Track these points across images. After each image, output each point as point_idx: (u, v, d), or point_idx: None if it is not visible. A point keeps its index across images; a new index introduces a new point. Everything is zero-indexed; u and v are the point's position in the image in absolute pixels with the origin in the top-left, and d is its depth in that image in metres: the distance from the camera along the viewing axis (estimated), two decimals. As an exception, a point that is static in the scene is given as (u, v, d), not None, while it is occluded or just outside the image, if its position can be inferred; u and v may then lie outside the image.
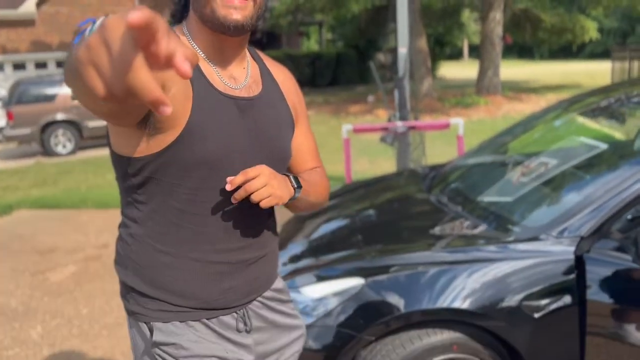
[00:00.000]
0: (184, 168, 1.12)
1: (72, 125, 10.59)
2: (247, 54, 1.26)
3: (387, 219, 2.65)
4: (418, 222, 2.48)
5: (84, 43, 0.64)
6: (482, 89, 14.96)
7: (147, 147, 1.11)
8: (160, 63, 0.59)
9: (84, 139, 10.92)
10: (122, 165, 1.16)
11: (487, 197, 2.50)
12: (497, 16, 14.42)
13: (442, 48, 27.27)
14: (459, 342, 1.90)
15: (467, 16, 22.26)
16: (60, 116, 10.38)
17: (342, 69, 21.88)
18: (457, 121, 5.10)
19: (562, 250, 1.89)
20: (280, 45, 23.82)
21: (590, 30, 17.00)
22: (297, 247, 2.54)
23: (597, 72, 23.04)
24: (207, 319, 1.21)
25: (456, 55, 43.72)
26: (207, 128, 1.11)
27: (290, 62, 20.36)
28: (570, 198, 2.17)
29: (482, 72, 15.20)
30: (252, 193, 1.11)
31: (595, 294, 1.85)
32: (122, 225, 1.26)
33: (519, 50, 42.51)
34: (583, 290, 1.86)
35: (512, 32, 18.09)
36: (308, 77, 20.59)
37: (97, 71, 0.62)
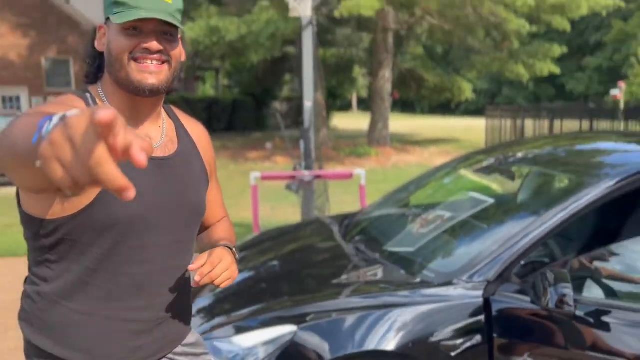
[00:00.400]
0: (99, 229, 1.12)
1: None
2: (163, 112, 1.29)
3: (305, 266, 2.76)
4: (336, 269, 2.61)
5: (46, 139, 0.66)
6: (373, 140, 15.87)
7: (61, 209, 1.10)
8: (118, 154, 0.64)
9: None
10: (34, 225, 1.14)
11: (400, 245, 2.71)
12: (387, 74, 15.56)
13: (335, 100, 28.63)
14: (386, 384, 2.03)
15: (358, 71, 23.67)
16: None
17: (239, 115, 22.07)
18: (360, 172, 5.41)
19: (472, 294, 2.11)
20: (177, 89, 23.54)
21: (466, 90, 18.91)
22: (209, 300, 2.55)
23: (472, 128, 25.42)
24: None
25: (346, 107, 46.01)
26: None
27: (187, 105, 20.17)
28: (475, 247, 2.42)
29: (373, 125, 16.17)
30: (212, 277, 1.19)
31: (501, 333, 2.08)
32: (29, 282, 1.22)
33: (402, 104, 45.78)
34: (490, 329, 2.09)
35: (399, 88, 19.54)
36: (204, 121, 20.16)
37: (62, 165, 0.65)
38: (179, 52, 1.18)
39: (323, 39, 17.14)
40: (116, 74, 1.15)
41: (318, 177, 5.52)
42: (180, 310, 1.30)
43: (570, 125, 12.51)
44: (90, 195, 1.10)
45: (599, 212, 3.01)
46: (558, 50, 16.14)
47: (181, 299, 1.29)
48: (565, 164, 2.93)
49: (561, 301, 1.88)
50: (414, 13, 14.37)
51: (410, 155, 15.09)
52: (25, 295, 1.22)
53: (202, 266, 1.18)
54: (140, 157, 0.64)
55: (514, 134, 14.65)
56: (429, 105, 47.26)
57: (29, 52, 16.69)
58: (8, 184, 10.91)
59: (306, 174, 5.48)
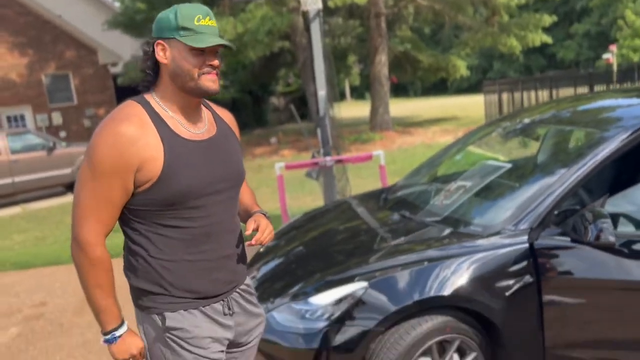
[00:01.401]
0: (169, 199, 1.51)
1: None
2: (201, 104, 1.66)
3: (360, 234, 3.02)
4: (390, 233, 2.87)
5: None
6: (376, 125, 16.10)
7: (134, 197, 1.52)
8: None
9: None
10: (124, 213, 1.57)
11: (441, 208, 2.98)
12: (383, 59, 15.77)
13: (331, 90, 28.75)
14: (451, 325, 2.30)
15: (351, 59, 23.85)
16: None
17: (239, 113, 22.20)
18: (379, 153, 5.67)
19: (519, 240, 2.38)
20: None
21: (461, 68, 19.11)
22: (278, 272, 2.85)
23: (468, 105, 25.63)
24: (202, 307, 1.61)
25: (340, 96, 46.11)
26: (178, 170, 1.50)
27: (186, 109, 20.35)
28: (513, 201, 2.68)
29: (374, 110, 16.38)
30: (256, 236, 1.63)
31: (546, 271, 2.36)
32: (127, 244, 1.61)
33: (395, 89, 45.91)
34: (537, 269, 2.36)
35: (395, 72, 19.74)
36: (206, 123, 20.63)
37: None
38: (220, 65, 1.58)
39: (315, 30, 17.32)
40: (184, 83, 1.52)
41: (340, 161, 5.77)
42: (238, 249, 1.70)
43: (569, 92, 12.73)
44: (151, 182, 1.48)
45: (615, 161, 3.27)
46: (548, 19, 16.35)
47: (237, 240, 1.69)
48: (578, 122, 3.19)
49: (600, 234, 2.15)
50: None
51: (414, 136, 15.34)
52: (128, 252, 1.61)
53: (254, 230, 1.64)
54: None
55: (512, 107, 14.89)
56: (421, 87, 47.56)
57: (29, 70, 16.87)
58: (37, 198, 11.16)
59: (328, 159, 5.73)
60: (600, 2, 34.73)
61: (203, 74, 1.50)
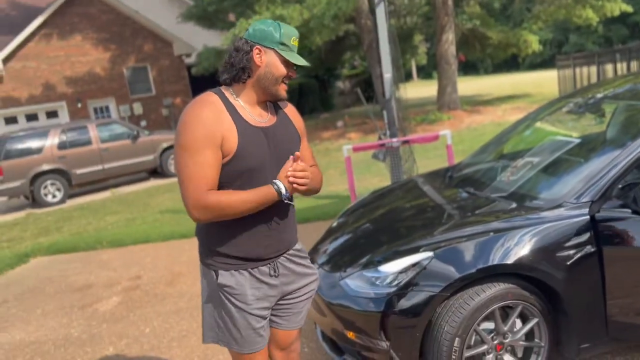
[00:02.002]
0: (239, 172, 1.86)
1: (61, 174, 10.80)
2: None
3: (427, 210, 3.21)
4: (456, 209, 3.05)
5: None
6: (443, 105, 15.92)
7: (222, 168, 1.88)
8: None
9: (72, 187, 11.13)
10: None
11: (506, 184, 3.10)
12: (450, 37, 15.51)
13: (397, 71, 28.51)
14: (513, 292, 2.46)
15: (417, 39, 23.53)
16: (47, 166, 10.59)
17: (306, 99, 22.64)
18: (446, 132, 5.76)
19: (580, 212, 2.49)
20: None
21: (533, 43, 18.39)
22: (351, 245, 3.09)
23: (542, 81, 24.63)
24: (251, 269, 1.95)
25: (406, 77, 45.43)
26: (248, 149, 1.85)
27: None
28: (575, 176, 2.77)
29: (441, 90, 16.19)
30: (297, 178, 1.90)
31: (607, 242, 2.45)
32: None
33: (464, 67, 44.66)
34: (598, 240, 2.46)
35: (463, 50, 19.31)
36: (275, 108, 21.15)
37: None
38: None
39: (380, 11, 17.26)
40: (268, 86, 1.91)
41: (406, 142, 5.92)
42: (288, 220, 2.02)
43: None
44: (229, 156, 1.83)
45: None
46: (628, -14, 15.40)
47: (288, 212, 2.01)
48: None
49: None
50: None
51: (483, 115, 15.06)
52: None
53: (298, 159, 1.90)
54: None
55: (588, 82, 14.24)
56: (492, 64, 45.89)
57: (111, 64, 18.03)
58: (124, 183, 12.07)
59: (394, 141, 5.89)
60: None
61: (283, 82, 1.92)
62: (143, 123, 18.32)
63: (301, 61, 1.89)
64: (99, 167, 11.22)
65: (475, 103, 18.54)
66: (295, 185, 1.86)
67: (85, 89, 17.58)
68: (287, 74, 1.90)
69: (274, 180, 1.86)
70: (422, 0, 18.08)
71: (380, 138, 6.53)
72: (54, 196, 10.75)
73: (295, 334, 2.18)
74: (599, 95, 3.71)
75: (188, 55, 19.55)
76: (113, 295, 4.96)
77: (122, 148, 11.44)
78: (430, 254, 2.53)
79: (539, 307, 2.52)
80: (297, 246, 2.12)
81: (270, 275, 1.98)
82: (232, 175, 1.86)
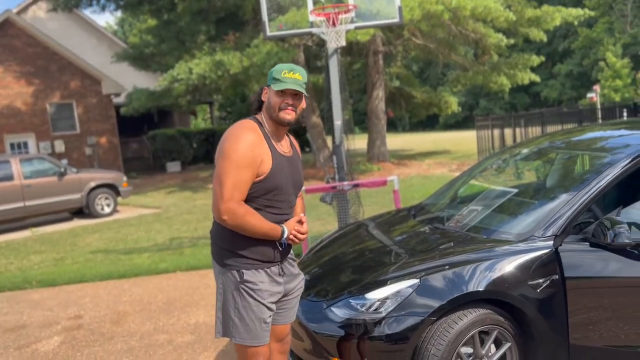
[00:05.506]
0: (264, 190, 2.29)
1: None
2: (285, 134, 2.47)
3: (401, 244, 3.39)
4: (428, 242, 3.25)
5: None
6: (373, 157, 16.60)
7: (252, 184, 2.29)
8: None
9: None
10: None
11: (469, 221, 3.37)
12: (380, 94, 16.40)
13: (325, 124, 29.43)
14: (490, 317, 2.66)
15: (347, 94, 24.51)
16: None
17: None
18: (393, 178, 6.08)
19: (546, 244, 2.78)
20: (173, 123, 24.12)
21: (453, 104, 19.85)
22: (332, 276, 3.11)
23: (459, 140, 26.38)
24: (267, 269, 2.36)
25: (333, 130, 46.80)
26: (277, 172, 2.30)
27: (185, 138, 20.71)
28: (535, 215, 3.09)
29: (371, 143, 16.91)
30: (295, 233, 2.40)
31: (570, 271, 2.74)
32: (215, 224, 2.40)
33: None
34: (562, 270, 2.75)
35: (390, 107, 20.40)
36: (206, 152, 21.04)
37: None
38: (301, 104, 2.33)
39: (312, 65, 17.98)
40: (271, 114, 2.32)
41: (357, 186, 6.16)
42: None
43: (557, 128, 13.40)
44: (263, 175, 2.25)
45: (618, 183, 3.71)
46: (537, 59, 17.20)
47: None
48: (582, 149, 3.63)
49: (616, 237, 2.56)
50: (401, 35, 15.28)
51: (409, 168, 15.86)
52: (215, 224, 2.39)
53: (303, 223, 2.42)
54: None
55: (502, 142, 15.50)
56: (409, 122, 48.65)
57: (34, 98, 17.20)
58: (45, 222, 11.24)
59: (345, 184, 6.12)
60: (582, 44, 36.25)
61: (281, 109, 2.28)
62: (64, 161, 17.45)
63: (281, 86, 2.23)
64: (20, 205, 10.53)
65: (400, 157, 19.48)
66: (293, 239, 2.37)
67: (2, 123, 16.60)
68: (282, 101, 2.27)
69: (282, 225, 2.33)
70: (348, 59, 19.03)
71: (328, 182, 6.74)
72: (-35, 234, 9.89)
73: (289, 327, 2.64)
74: (537, 149, 4.14)
75: (117, 95, 19.11)
76: (53, 335, 4.64)
77: (47, 185, 10.83)
78: (416, 281, 2.69)
79: (512, 332, 2.74)
80: (292, 254, 2.58)
81: (280, 275, 2.42)
82: (261, 190, 2.29)
